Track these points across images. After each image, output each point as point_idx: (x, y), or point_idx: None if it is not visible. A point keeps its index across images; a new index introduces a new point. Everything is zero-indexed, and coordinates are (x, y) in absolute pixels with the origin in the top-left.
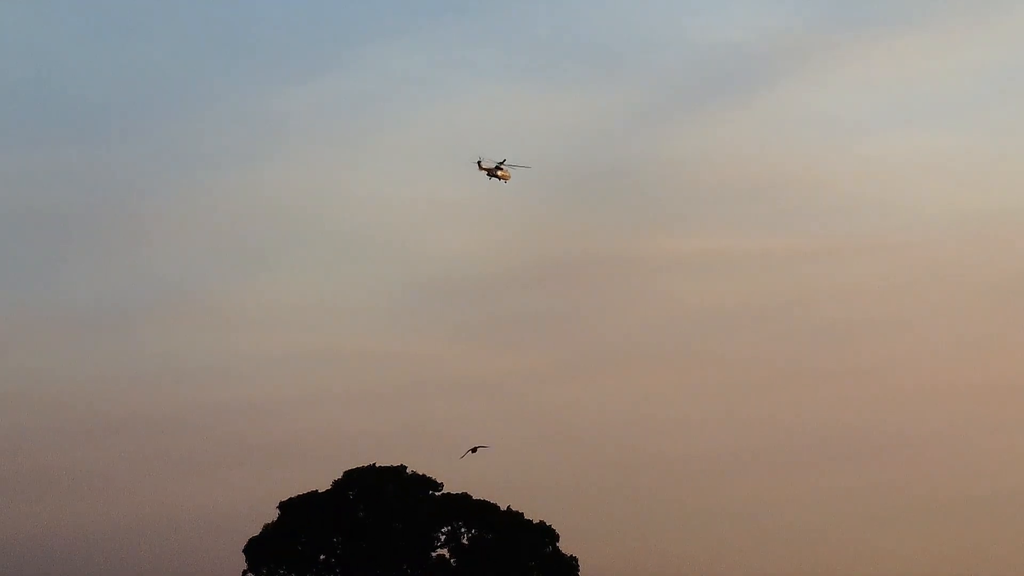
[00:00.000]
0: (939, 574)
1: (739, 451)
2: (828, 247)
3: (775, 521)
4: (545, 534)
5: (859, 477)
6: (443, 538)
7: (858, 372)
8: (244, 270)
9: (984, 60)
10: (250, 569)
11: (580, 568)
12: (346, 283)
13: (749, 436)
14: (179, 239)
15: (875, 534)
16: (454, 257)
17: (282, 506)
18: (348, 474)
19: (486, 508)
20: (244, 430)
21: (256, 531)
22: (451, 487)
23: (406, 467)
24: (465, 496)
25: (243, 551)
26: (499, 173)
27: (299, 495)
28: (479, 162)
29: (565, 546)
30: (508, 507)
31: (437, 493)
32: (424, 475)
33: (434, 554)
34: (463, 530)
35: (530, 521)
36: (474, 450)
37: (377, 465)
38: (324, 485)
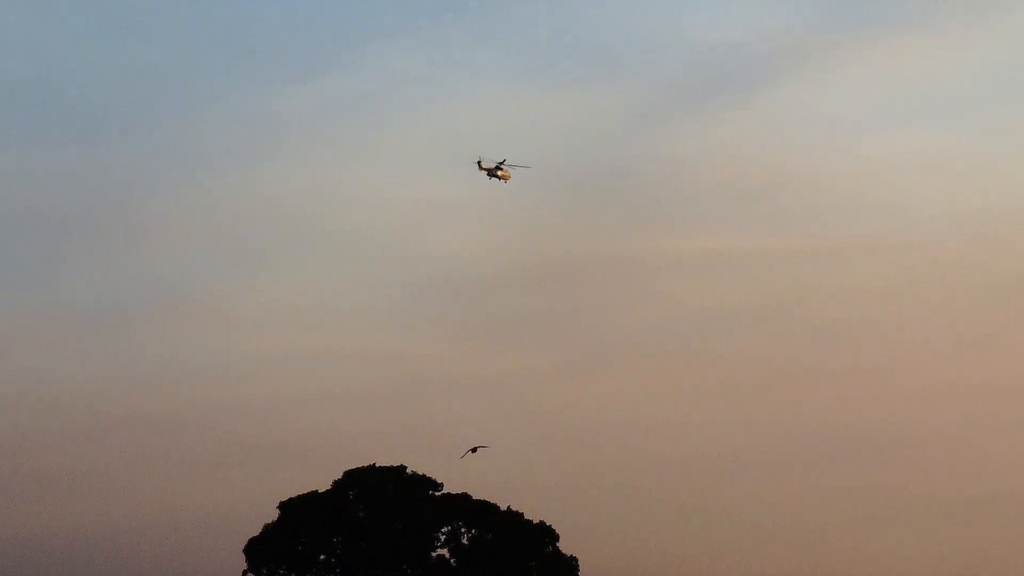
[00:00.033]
0: (939, 574)
1: (739, 451)
2: (828, 247)
3: (775, 521)
4: (545, 534)
5: (859, 477)
6: (443, 538)
7: (858, 372)
8: (244, 270)
9: (984, 60)
10: (250, 569)
11: (580, 568)
12: (346, 283)
13: (749, 436)
14: (179, 239)
15: (875, 534)
16: (454, 257)
17: (282, 506)
18: (348, 474)
19: (486, 508)
20: (244, 430)
21: (256, 531)
22: (451, 487)
23: (406, 467)
24: (465, 496)
25: (243, 551)
26: (499, 173)
27: (299, 495)
28: (479, 162)
29: (565, 546)
30: (508, 507)
31: (437, 493)
32: (424, 475)
33: (434, 554)
34: (463, 530)
35: (530, 521)
36: (474, 450)
37: (377, 465)
38: (324, 485)
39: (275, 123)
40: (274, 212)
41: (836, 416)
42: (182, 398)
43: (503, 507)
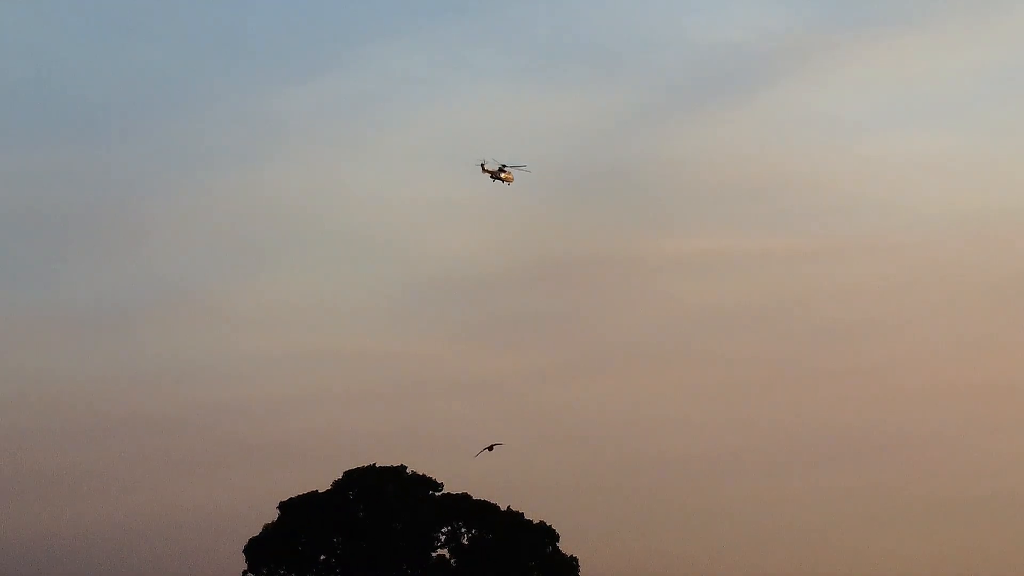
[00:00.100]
0: (939, 574)
1: (739, 451)
2: (828, 247)
3: (775, 521)
4: (545, 534)
5: (859, 477)
6: (443, 538)
7: (858, 372)
8: (244, 270)
9: (984, 60)
10: (250, 569)
11: (580, 568)
12: (346, 283)
13: (749, 436)
14: (179, 239)
15: (875, 534)
16: (454, 257)
17: (282, 506)
18: (348, 474)
19: (486, 508)
20: (244, 430)
21: (256, 531)
22: (451, 487)
23: (406, 467)
24: (465, 496)
25: (243, 551)
26: (502, 175)
27: (299, 495)
28: (482, 164)
29: (565, 546)
30: (508, 507)
31: (437, 493)
32: (424, 475)
33: (434, 554)
34: (463, 530)
35: (530, 521)
36: (490, 448)
37: (377, 465)
38: (324, 485)
39: (275, 123)
40: (274, 212)
41: (836, 416)
42: (182, 398)
43: (503, 507)
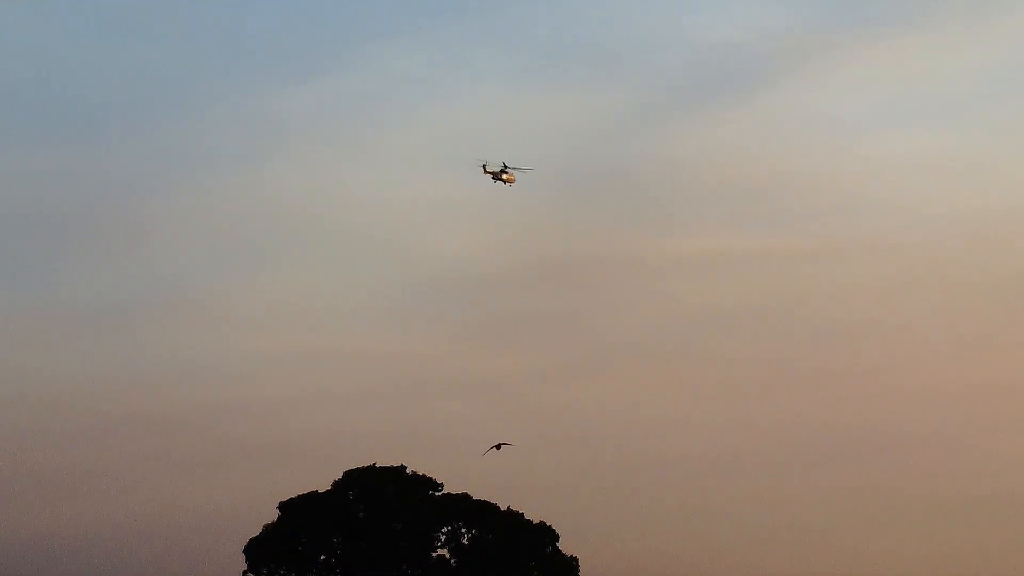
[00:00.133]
0: (939, 574)
1: (739, 451)
2: (828, 247)
3: (775, 521)
4: (545, 534)
5: (859, 477)
6: (443, 538)
7: (858, 372)
8: (244, 270)
9: (984, 60)
10: (250, 569)
11: (580, 568)
12: (346, 283)
13: (749, 436)
14: (179, 239)
15: (875, 534)
16: (454, 257)
17: (282, 506)
18: (348, 474)
19: (486, 508)
20: (244, 430)
21: (256, 531)
22: (451, 487)
23: (406, 467)
24: (465, 496)
25: (243, 551)
26: (504, 176)
27: (299, 495)
28: (484, 165)
29: (565, 546)
30: (508, 507)
31: (437, 493)
32: (424, 475)
33: (434, 554)
34: (463, 530)
35: (530, 521)
36: (498, 447)
37: (377, 465)
38: (324, 485)
39: (275, 123)
40: (274, 212)
41: (836, 416)
42: (182, 398)
43: (503, 507)
